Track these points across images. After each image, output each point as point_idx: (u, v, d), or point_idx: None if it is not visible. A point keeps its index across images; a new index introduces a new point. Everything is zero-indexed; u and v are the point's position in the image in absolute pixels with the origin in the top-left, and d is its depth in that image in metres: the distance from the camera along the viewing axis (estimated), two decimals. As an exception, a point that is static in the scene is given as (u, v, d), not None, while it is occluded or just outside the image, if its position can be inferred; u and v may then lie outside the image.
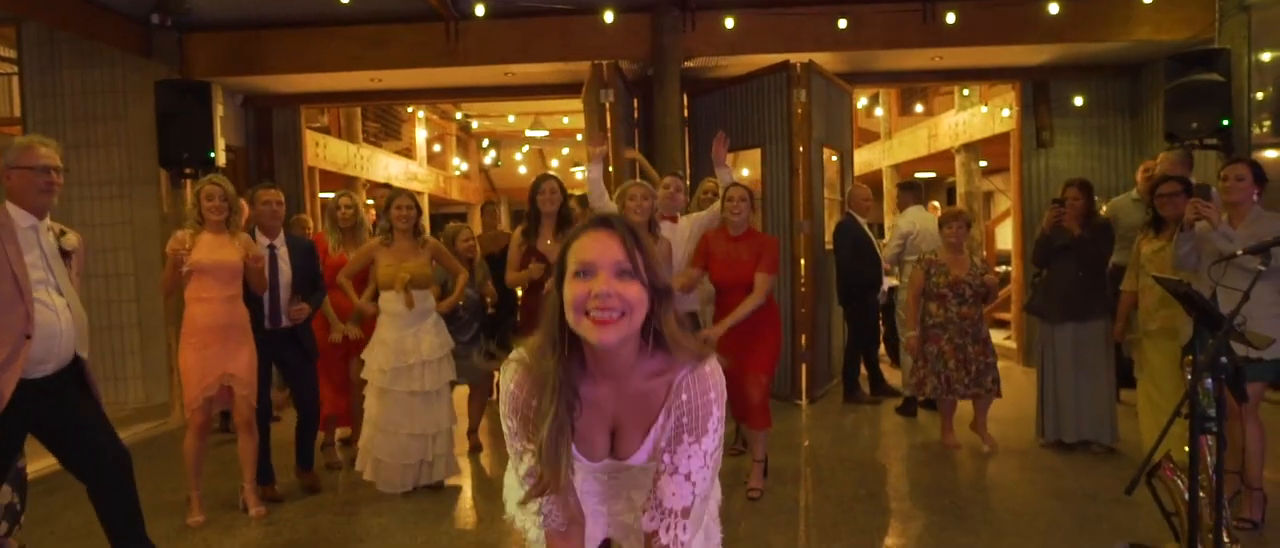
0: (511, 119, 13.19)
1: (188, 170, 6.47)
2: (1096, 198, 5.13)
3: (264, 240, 4.26)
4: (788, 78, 6.41)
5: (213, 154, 6.36)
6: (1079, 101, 7.66)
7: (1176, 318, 4.09)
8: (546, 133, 14.00)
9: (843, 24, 6.41)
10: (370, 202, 11.51)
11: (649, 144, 6.82)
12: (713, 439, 1.47)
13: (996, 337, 8.03)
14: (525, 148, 15.69)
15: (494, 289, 5.40)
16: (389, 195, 4.51)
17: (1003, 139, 8.58)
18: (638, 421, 1.48)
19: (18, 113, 7.63)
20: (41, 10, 6.03)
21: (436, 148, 13.91)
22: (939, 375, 4.97)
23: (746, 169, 11.24)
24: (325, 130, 10.01)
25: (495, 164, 16.97)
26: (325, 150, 8.86)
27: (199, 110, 6.31)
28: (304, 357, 4.39)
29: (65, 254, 3.03)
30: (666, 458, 1.46)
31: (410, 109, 12.45)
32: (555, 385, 1.42)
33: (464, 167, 14.76)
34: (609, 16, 6.32)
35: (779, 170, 6.57)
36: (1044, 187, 7.74)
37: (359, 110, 10.15)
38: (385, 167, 10.94)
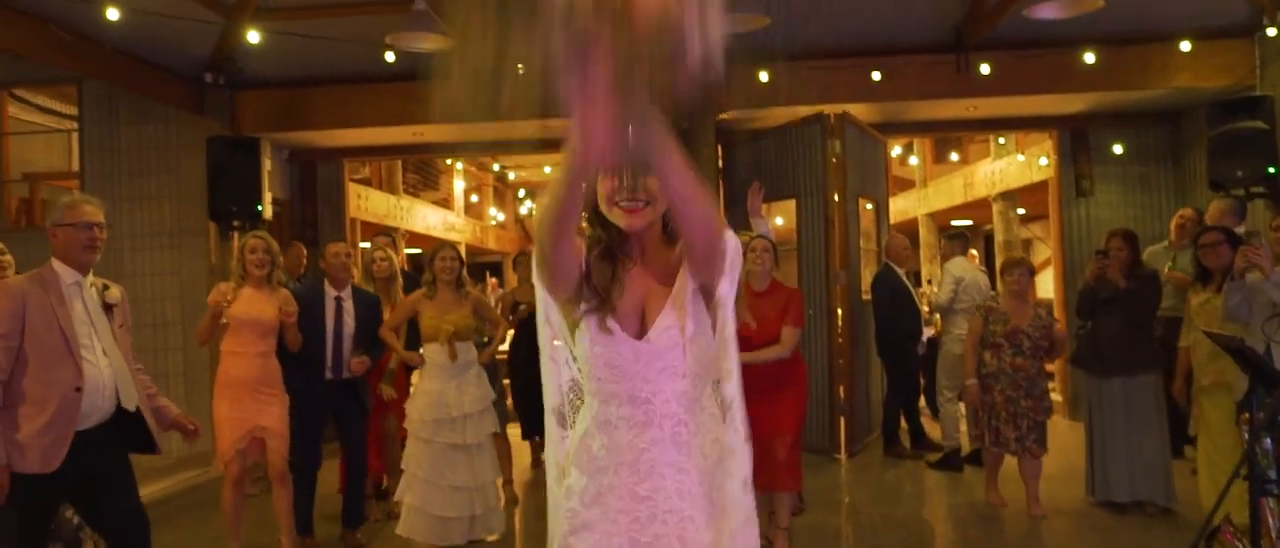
0: (547, 169, 13.36)
1: (236, 223, 6.65)
2: None
3: (332, 291, 4.36)
4: (822, 129, 6.44)
5: (260, 207, 6.54)
6: (1119, 149, 7.58)
7: (1229, 371, 3.97)
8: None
9: (877, 77, 6.44)
10: (416, 251, 11.72)
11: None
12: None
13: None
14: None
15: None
16: (433, 248, 4.59)
17: (1041, 187, 8.50)
18: (661, 292, 1.62)
19: (76, 167, 7.96)
20: (102, 70, 6.32)
21: (474, 198, 14.15)
22: (988, 427, 4.84)
23: (780, 219, 11.24)
24: (367, 182, 10.26)
25: (531, 215, 17.18)
26: (367, 202, 9.07)
27: (248, 165, 6.51)
28: (360, 410, 4.46)
29: (108, 308, 3.12)
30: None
31: (448, 160, 12.71)
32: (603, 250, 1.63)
33: (500, 216, 14.96)
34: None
35: (814, 221, 6.57)
36: (1086, 236, 7.62)
37: (400, 163, 10.38)
38: (424, 217, 11.15)
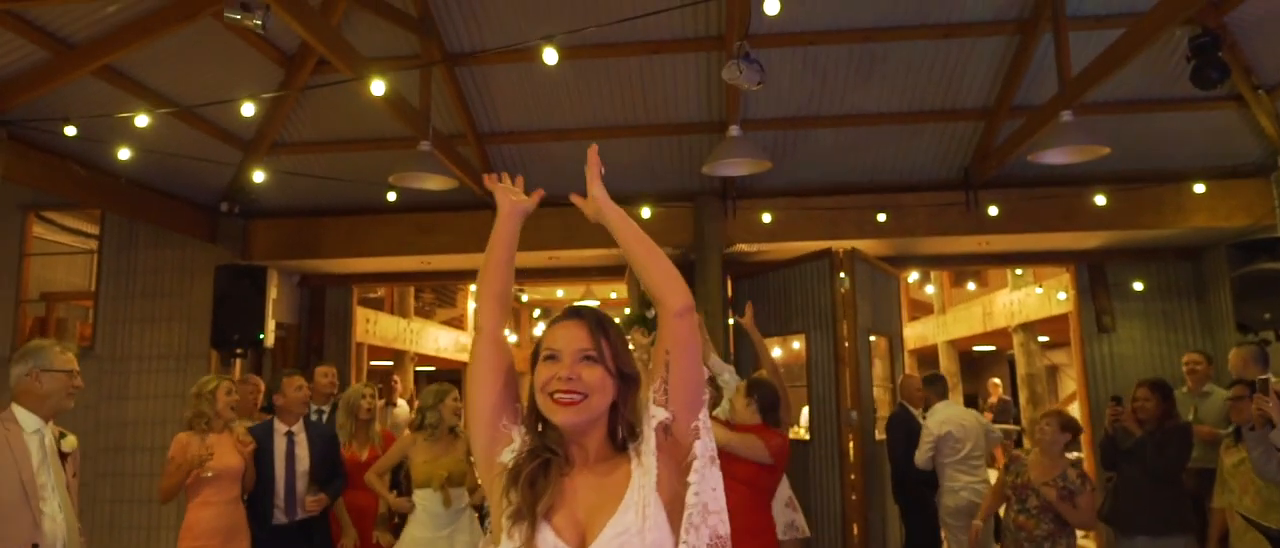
0: (560, 293, 13.38)
1: (237, 350, 6.61)
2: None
3: (283, 427, 4.22)
4: (830, 263, 6.35)
5: (262, 336, 6.51)
6: (1139, 286, 7.39)
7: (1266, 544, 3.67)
8: (598, 303, 14.17)
9: (882, 218, 6.40)
10: (430, 368, 11.59)
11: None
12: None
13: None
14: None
15: None
16: (437, 390, 4.43)
17: (1061, 320, 8.29)
18: (610, 500, 1.45)
19: (91, 287, 8.07)
20: (117, 203, 6.44)
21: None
22: None
23: (778, 349, 10.93)
24: (378, 304, 10.27)
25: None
26: (375, 326, 9.04)
27: (253, 293, 6.53)
28: None
29: (63, 458, 3.00)
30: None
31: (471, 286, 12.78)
32: (535, 447, 1.48)
33: (514, 337, 14.89)
34: (648, 211, 6.44)
35: (824, 358, 6.39)
36: (1110, 374, 7.34)
37: (412, 287, 10.43)
38: (435, 339, 11.10)
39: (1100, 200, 6.14)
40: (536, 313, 15.82)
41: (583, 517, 1.44)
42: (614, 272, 7.32)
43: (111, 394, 7.47)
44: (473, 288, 13.03)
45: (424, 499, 4.18)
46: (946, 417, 5.83)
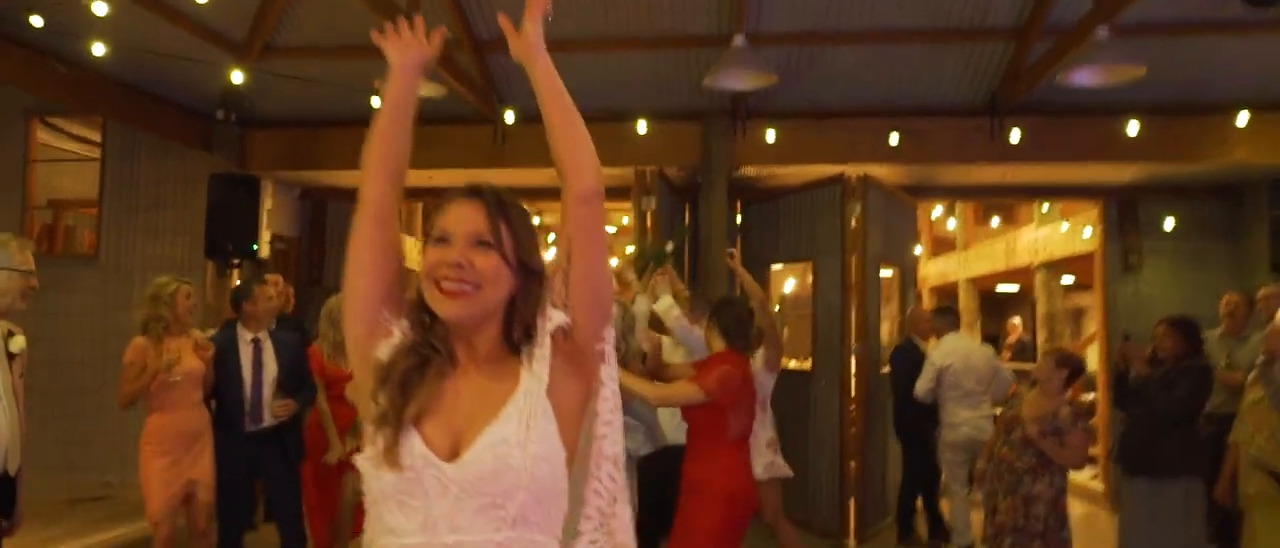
0: (537, 218, 13.14)
1: (234, 261, 6.52)
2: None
3: (248, 334, 4.13)
4: (842, 190, 6.07)
5: (256, 246, 6.40)
6: (1170, 224, 7.03)
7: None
8: (614, 230, 13.94)
9: (894, 139, 6.06)
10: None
11: (696, 252, 6.54)
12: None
13: (1081, 477, 7.23)
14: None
15: None
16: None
17: (1086, 258, 7.95)
18: (493, 404, 1.25)
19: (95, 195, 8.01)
20: (108, 108, 6.28)
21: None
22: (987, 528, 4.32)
23: (791, 280, 10.66)
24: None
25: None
26: (380, 243, 8.91)
27: (248, 203, 6.39)
28: (286, 461, 4.16)
29: (10, 358, 2.90)
30: None
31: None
32: (415, 342, 1.28)
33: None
34: (643, 126, 6.16)
35: (831, 287, 6.16)
36: (1134, 315, 7.03)
37: (419, 206, 10.26)
38: (445, 259, 10.97)
39: (1134, 128, 5.75)
40: (551, 238, 15.68)
41: (460, 424, 1.24)
42: (620, 192, 7.06)
43: (117, 304, 7.47)
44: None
45: None
46: (953, 349, 5.63)
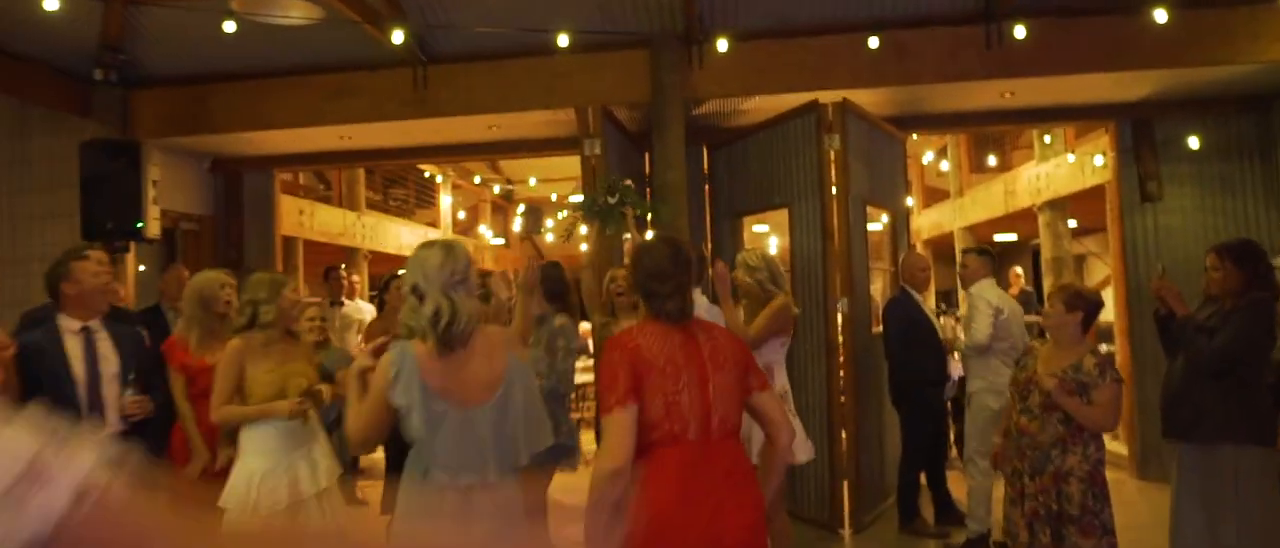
0: (532, 182, 12.26)
1: (118, 243, 5.63)
2: None
3: (75, 323, 3.28)
4: (817, 120, 5.19)
5: (141, 224, 5.50)
6: (1194, 143, 6.17)
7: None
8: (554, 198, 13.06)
9: (874, 43, 5.16)
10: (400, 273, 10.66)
11: (651, 202, 5.65)
12: None
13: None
14: (562, 214, 14.75)
15: None
16: (272, 280, 3.41)
17: (1096, 194, 7.10)
18: None
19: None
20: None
21: (460, 215, 13.10)
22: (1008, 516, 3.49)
23: (775, 240, 9.84)
24: (327, 198, 9.26)
25: (536, 232, 16.10)
26: (312, 218, 8.03)
27: (128, 173, 5.48)
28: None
29: None
30: None
31: (428, 173, 11.70)
32: None
33: (489, 234, 13.86)
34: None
35: (809, 235, 5.30)
36: (1153, 249, 6.21)
37: (361, 174, 9.36)
38: (397, 236, 10.09)
39: (1161, 15, 4.84)
40: (521, 209, 14.77)
41: None
42: (568, 144, 6.18)
43: (16, 301, 6.63)
44: (438, 178, 11.97)
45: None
46: (999, 296, 4.81)
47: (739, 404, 2.28)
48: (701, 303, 3.71)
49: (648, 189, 5.73)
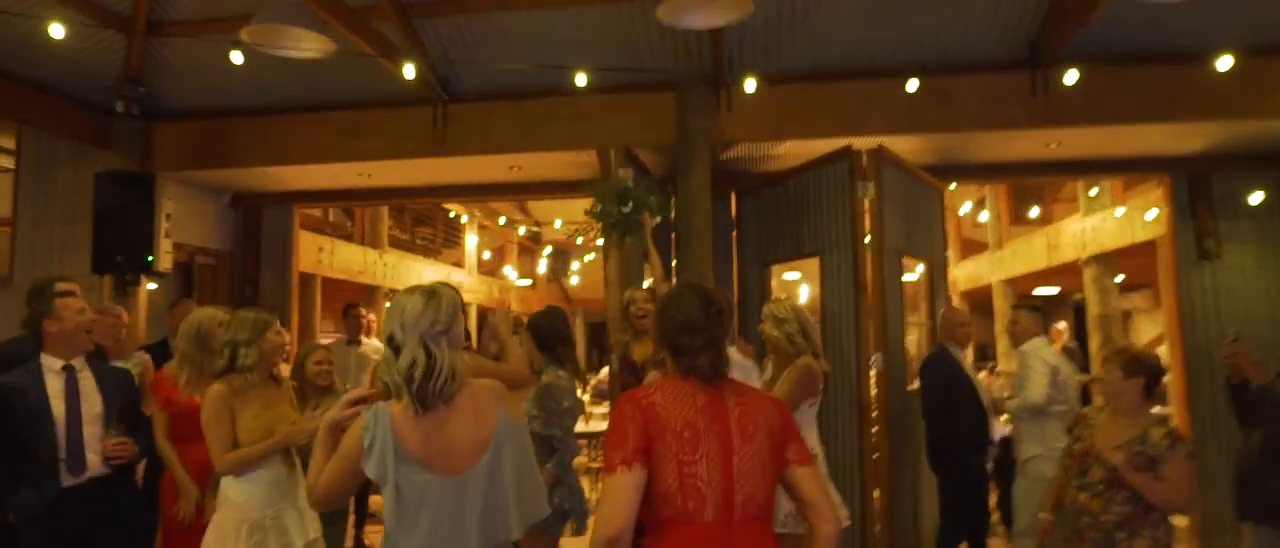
0: (558, 224, 12.12)
1: (129, 277, 5.51)
2: None
3: (55, 362, 3.12)
4: (850, 167, 4.94)
5: (152, 258, 5.37)
6: (1256, 199, 5.81)
7: None
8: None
9: (912, 86, 4.91)
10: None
11: (676, 250, 5.40)
12: None
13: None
14: (589, 257, 14.58)
15: None
16: (255, 321, 3.21)
17: (1146, 249, 6.73)
18: None
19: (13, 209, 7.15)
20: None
21: (486, 255, 12.96)
22: None
23: (805, 289, 9.56)
24: (347, 235, 9.16)
25: (563, 275, 15.93)
26: (331, 256, 7.90)
27: (141, 206, 5.38)
28: (127, 526, 3.15)
29: None
30: None
31: (452, 214, 11.61)
32: None
33: (513, 274, 13.69)
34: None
35: (841, 287, 5.01)
36: (1213, 311, 5.82)
37: (384, 211, 9.26)
38: (418, 275, 9.95)
39: (1223, 64, 4.52)
40: (548, 251, 14.62)
41: None
42: (591, 185, 5.97)
43: (30, 332, 6.57)
44: (464, 219, 11.86)
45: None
46: (1053, 355, 4.47)
47: (770, 482, 1.99)
48: (733, 358, 3.42)
49: (671, 232, 5.49)
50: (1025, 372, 4.41)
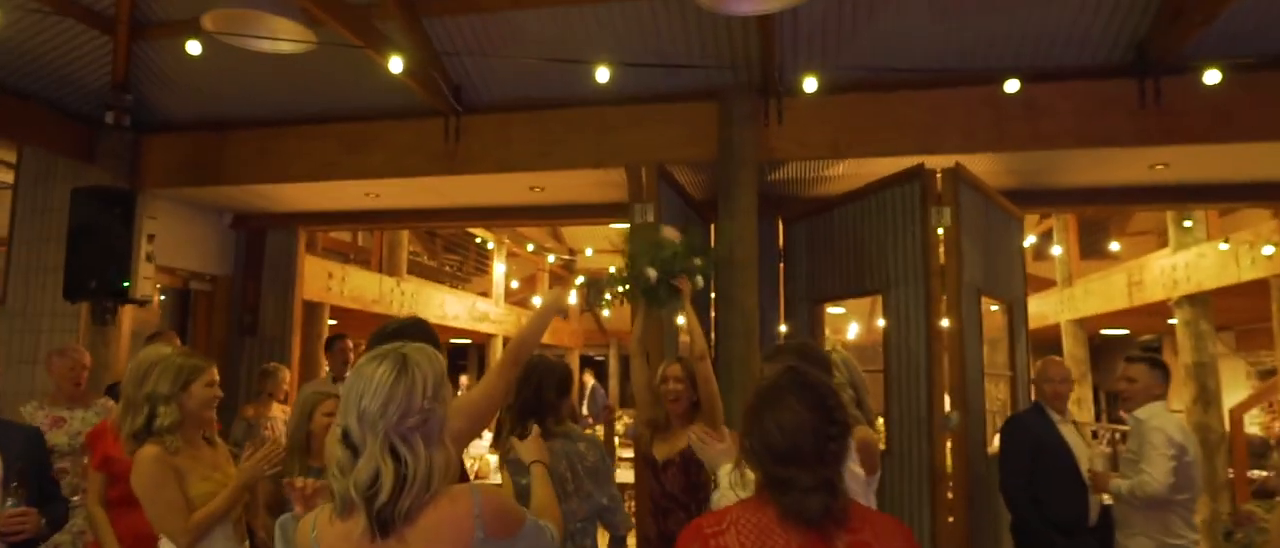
0: (589, 252, 11.48)
1: (107, 304, 4.97)
2: None
3: None
4: (922, 190, 4.21)
5: (128, 283, 4.82)
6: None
7: None
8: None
9: (1012, 86, 4.17)
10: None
11: (716, 283, 4.69)
12: None
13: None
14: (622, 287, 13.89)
15: None
16: (182, 366, 2.61)
17: (1255, 289, 5.87)
18: None
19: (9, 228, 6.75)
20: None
21: (514, 284, 12.36)
22: None
23: (855, 325, 8.79)
24: (365, 262, 8.61)
25: (597, 305, 15.28)
26: (342, 283, 7.34)
27: (118, 226, 4.84)
28: None
29: None
30: None
31: (479, 239, 11.05)
32: None
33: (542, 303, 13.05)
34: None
35: (909, 330, 4.25)
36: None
37: (404, 236, 8.70)
38: (441, 305, 9.36)
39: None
40: (580, 280, 13.98)
41: None
42: (618, 210, 5.32)
43: (21, 358, 6.10)
44: (490, 245, 11.28)
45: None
46: (1172, 424, 3.53)
47: None
48: (851, 475, 2.61)
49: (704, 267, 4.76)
50: (1143, 448, 3.53)
